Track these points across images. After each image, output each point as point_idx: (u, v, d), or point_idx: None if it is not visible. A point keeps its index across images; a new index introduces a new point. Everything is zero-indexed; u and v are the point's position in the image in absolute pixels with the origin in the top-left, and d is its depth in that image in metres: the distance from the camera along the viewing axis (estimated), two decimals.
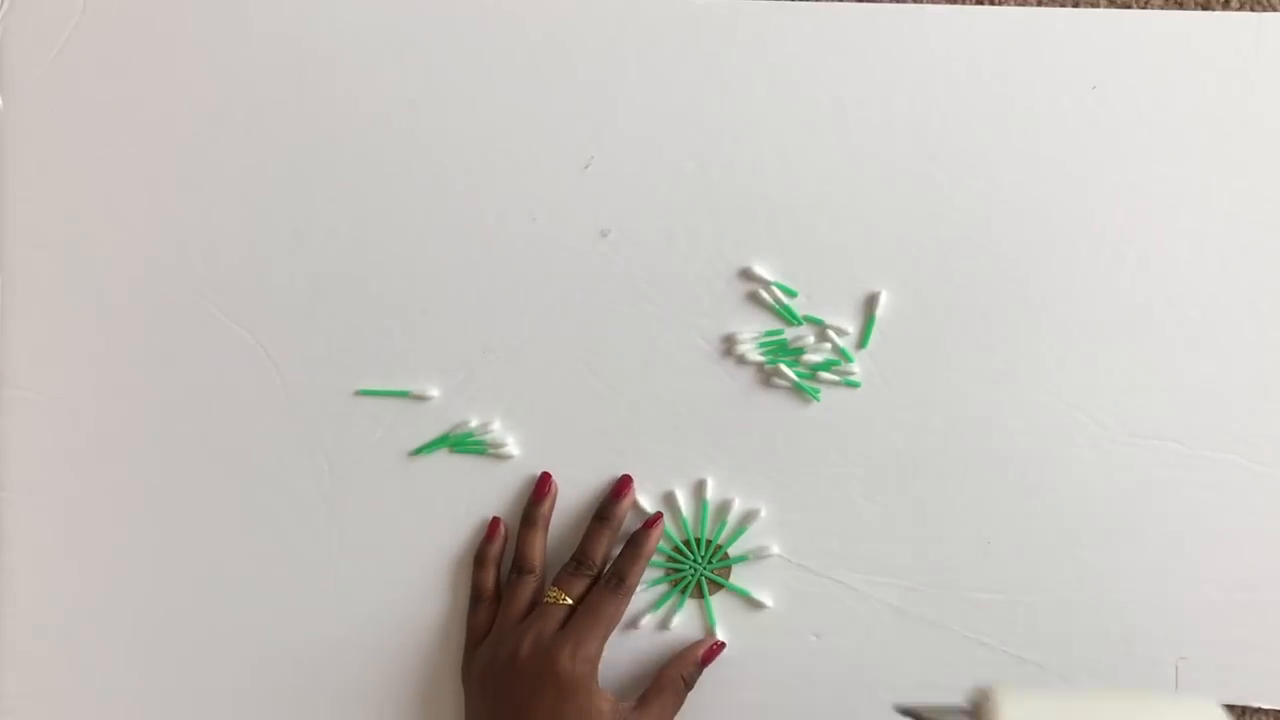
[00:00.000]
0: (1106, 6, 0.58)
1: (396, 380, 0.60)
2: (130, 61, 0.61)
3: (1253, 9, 0.58)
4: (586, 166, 0.60)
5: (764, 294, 0.59)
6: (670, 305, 0.59)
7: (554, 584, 0.57)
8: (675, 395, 0.59)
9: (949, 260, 0.58)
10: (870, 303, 0.58)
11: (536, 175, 0.60)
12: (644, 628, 0.59)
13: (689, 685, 0.57)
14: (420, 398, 0.59)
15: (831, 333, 0.58)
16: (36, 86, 0.61)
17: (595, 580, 0.57)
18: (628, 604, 0.57)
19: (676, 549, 0.59)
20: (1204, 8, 0.58)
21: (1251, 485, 0.57)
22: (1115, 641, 0.58)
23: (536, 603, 0.58)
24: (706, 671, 0.58)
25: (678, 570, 0.59)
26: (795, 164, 0.59)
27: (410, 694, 0.60)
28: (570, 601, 0.56)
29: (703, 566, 0.59)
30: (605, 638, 0.56)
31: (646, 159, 0.59)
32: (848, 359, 0.58)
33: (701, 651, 0.58)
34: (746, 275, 0.59)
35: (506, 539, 0.60)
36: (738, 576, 0.59)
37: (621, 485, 0.58)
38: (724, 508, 0.59)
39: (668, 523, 0.59)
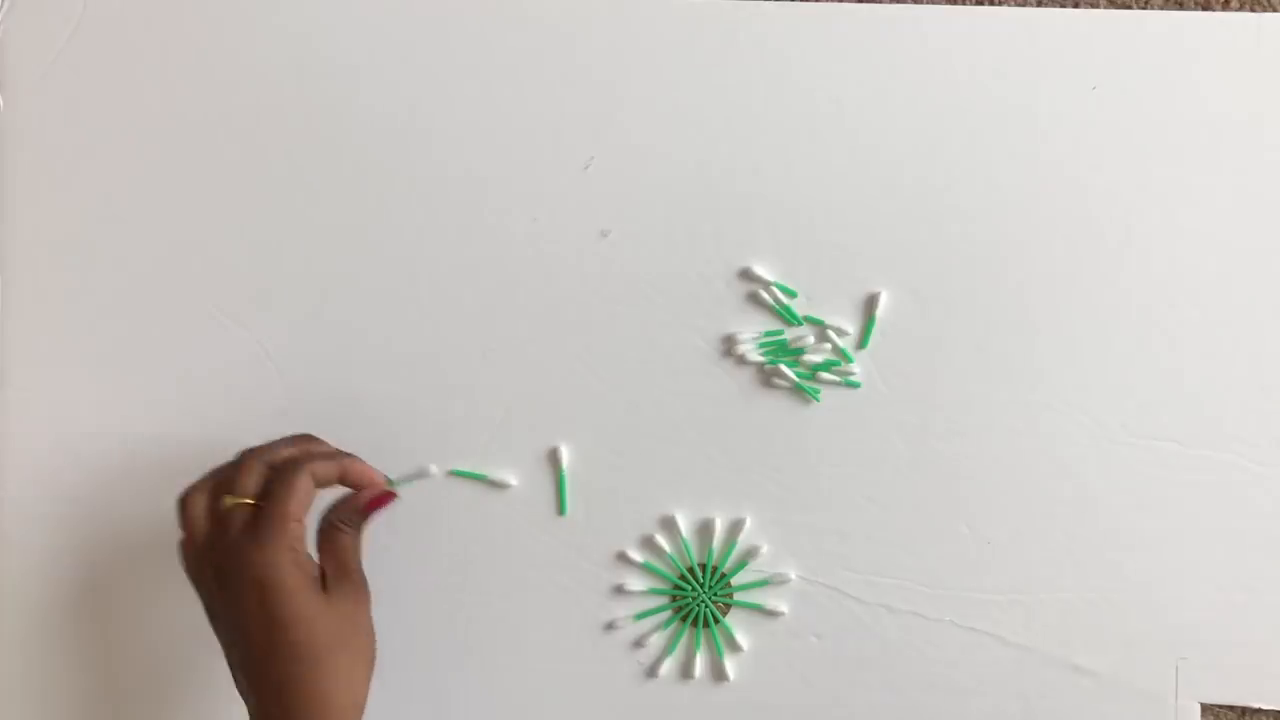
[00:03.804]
0: (1106, 7, 0.58)
1: (394, 383, 0.60)
2: (131, 62, 0.61)
3: (1253, 9, 0.58)
4: (587, 167, 0.60)
5: (764, 294, 0.59)
6: (670, 305, 0.59)
7: (221, 496, 0.51)
8: (675, 395, 0.59)
9: (949, 261, 0.58)
10: (870, 303, 0.58)
11: (537, 175, 0.60)
12: (665, 676, 0.59)
13: (355, 529, 0.52)
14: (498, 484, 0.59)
15: (831, 333, 0.58)
16: (37, 87, 0.61)
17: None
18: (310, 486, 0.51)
19: (677, 586, 0.59)
20: (1204, 8, 0.58)
21: (1251, 485, 0.57)
22: (1115, 641, 0.58)
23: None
24: (708, 673, 0.58)
25: (682, 600, 0.59)
26: (795, 164, 0.59)
27: (406, 693, 0.60)
28: (249, 500, 0.51)
29: (706, 595, 0.59)
30: (303, 513, 0.50)
31: (647, 159, 0.59)
32: (848, 359, 0.58)
33: (366, 499, 0.52)
34: (746, 275, 0.59)
35: (309, 494, 0.52)
36: (747, 591, 0.59)
37: (381, 500, 0.53)
38: (708, 527, 0.59)
39: (657, 563, 0.59)
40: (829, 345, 0.58)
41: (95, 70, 0.61)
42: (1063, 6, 0.58)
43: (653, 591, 0.59)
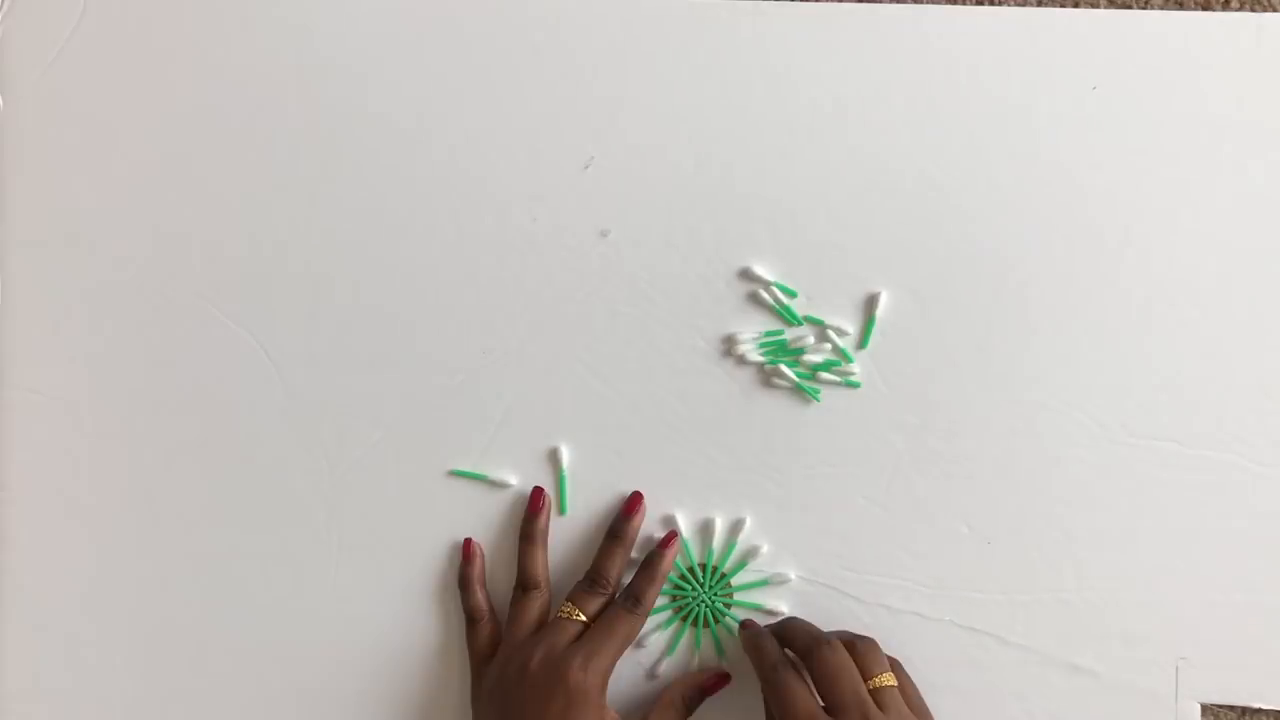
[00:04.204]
0: (1107, 7, 0.58)
1: (393, 383, 0.60)
2: (131, 62, 0.61)
3: (1253, 9, 0.58)
4: (587, 167, 0.60)
5: (764, 294, 0.59)
6: (670, 305, 0.59)
7: (568, 600, 0.56)
8: (675, 395, 0.59)
9: (949, 261, 0.58)
10: (870, 303, 0.58)
11: (537, 175, 0.60)
12: (664, 676, 0.59)
13: (690, 709, 0.56)
14: (499, 484, 0.60)
15: (831, 333, 0.58)
16: (37, 86, 0.61)
17: (610, 600, 0.57)
18: (642, 624, 0.56)
19: (677, 586, 0.59)
20: (1204, 8, 0.58)
21: (1251, 486, 0.57)
22: (1115, 641, 0.58)
23: (544, 619, 0.57)
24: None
25: (682, 600, 0.59)
26: (795, 164, 0.59)
27: (407, 693, 0.60)
28: (584, 618, 0.55)
29: (708, 595, 0.59)
30: (617, 655, 0.55)
31: (647, 159, 0.59)
32: (848, 359, 0.58)
33: (706, 679, 0.57)
34: (746, 275, 0.59)
35: (482, 557, 0.59)
36: (747, 591, 0.59)
37: (633, 502, 0.58)
38: (708, 526, 0.59)
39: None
40: (829, 345, 0.58)
41: (96, 69, 0.61)
42: (1063, 7, 0.58)
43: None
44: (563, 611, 0.56)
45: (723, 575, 0.59)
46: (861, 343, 0.58)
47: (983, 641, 0.58)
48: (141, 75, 0.61)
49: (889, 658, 0.54)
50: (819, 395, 0.58)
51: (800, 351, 0.58)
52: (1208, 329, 0.58)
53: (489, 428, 0.60)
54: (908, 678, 0.55)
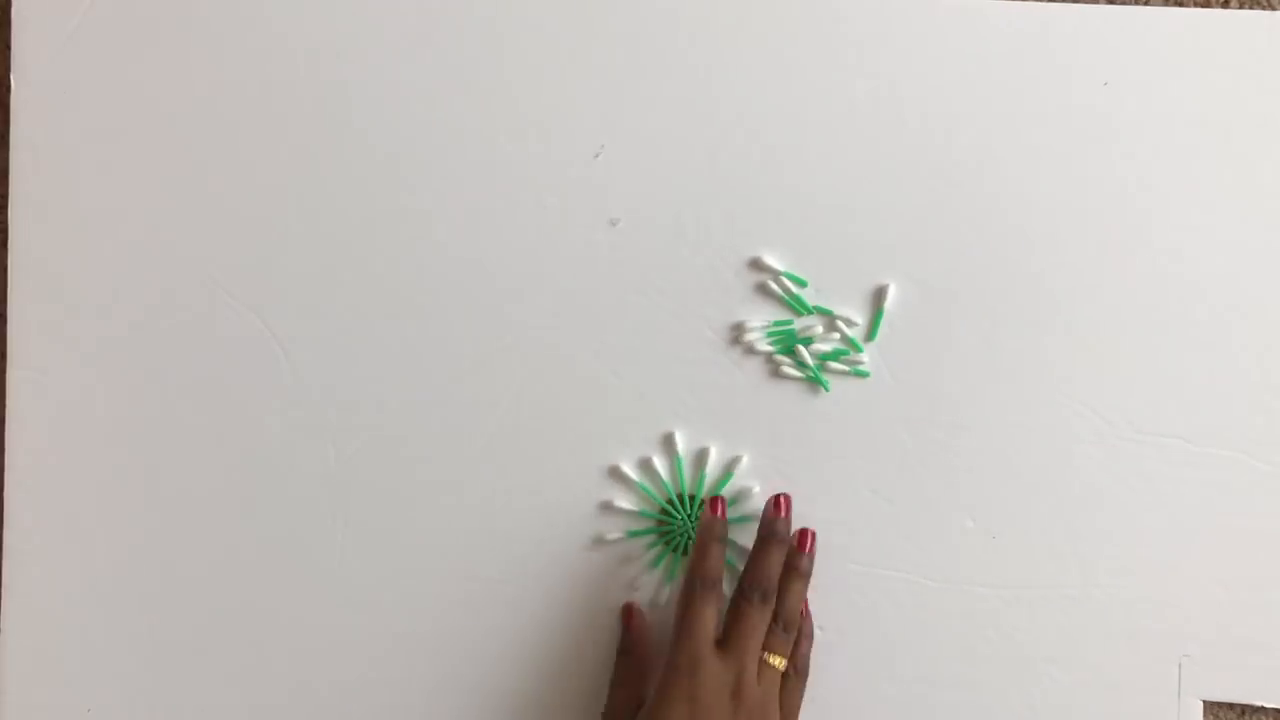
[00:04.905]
0: (1120, 2, 0.58)
1: (401, 369, 0.60)
2: (143, 43, 0.61)
3: (1252, 7, 0.58)
4: (597, 155, 0.60)
5: (773, 284, 0.59)
6: (679, 294, 0.59)
7: (765, 647, 0.55)
8: (683, 384, 0.59)
9: (958, 255, 0.58)
10: (878, 296, 0.58)
11: (546, 163, 0.60)
12: (644, 588, 0.59)
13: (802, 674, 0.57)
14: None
15: (840, 323, 0.58)
16: (49, 67, 0.61)
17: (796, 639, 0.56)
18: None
19: (664, 510, 0.59)
20: (1223, 5, 0.58)
21: (1257, 483, 0.58)
22: (1118, 638, 0.58)
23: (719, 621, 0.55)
24: None
25: (667, 530, 0.59)
26: (805, 155, 0.59)
27: (416, 680, 0.60)
28: (781, 667, 0.55)
29: (693, 524, 0.59)
30: None
31: (657, 148, 0.59)
32: (857, 349, 0.58)
33: (804, 646, 0.57)
34: (756, 265, 0.59)
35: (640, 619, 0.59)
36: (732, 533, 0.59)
37: (780, 502, 0.58)
38: (702, 458, 0.59)
39: (647, 483, 0.59)
40: (837, 335, 0.58)
41: (107, 52, 0.61)
42: (1075, 1, 0.58)
43: (642, 514, 0.59)
44: (773, 660, 0.55)
45: (704, 503, 0.59)
46: (870, 335, 0.58)
47: (986, 636, 0.58)
48: (154, 58, 0.61)
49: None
50: (828, 384, 0.58)
51: (809, 341, 0.58)
52: (1215, 326, 0.58)
53: (496, 414, 0.60)
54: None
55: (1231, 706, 0.58)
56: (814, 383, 0.58)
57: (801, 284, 0.59)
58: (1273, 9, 0.58)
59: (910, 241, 0.58)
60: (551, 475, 0.59)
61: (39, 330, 0.61)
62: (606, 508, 0.59)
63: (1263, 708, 0.58)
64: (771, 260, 0.59)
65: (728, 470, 0.59)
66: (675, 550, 0.59)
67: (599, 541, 0.59)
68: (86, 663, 0.61)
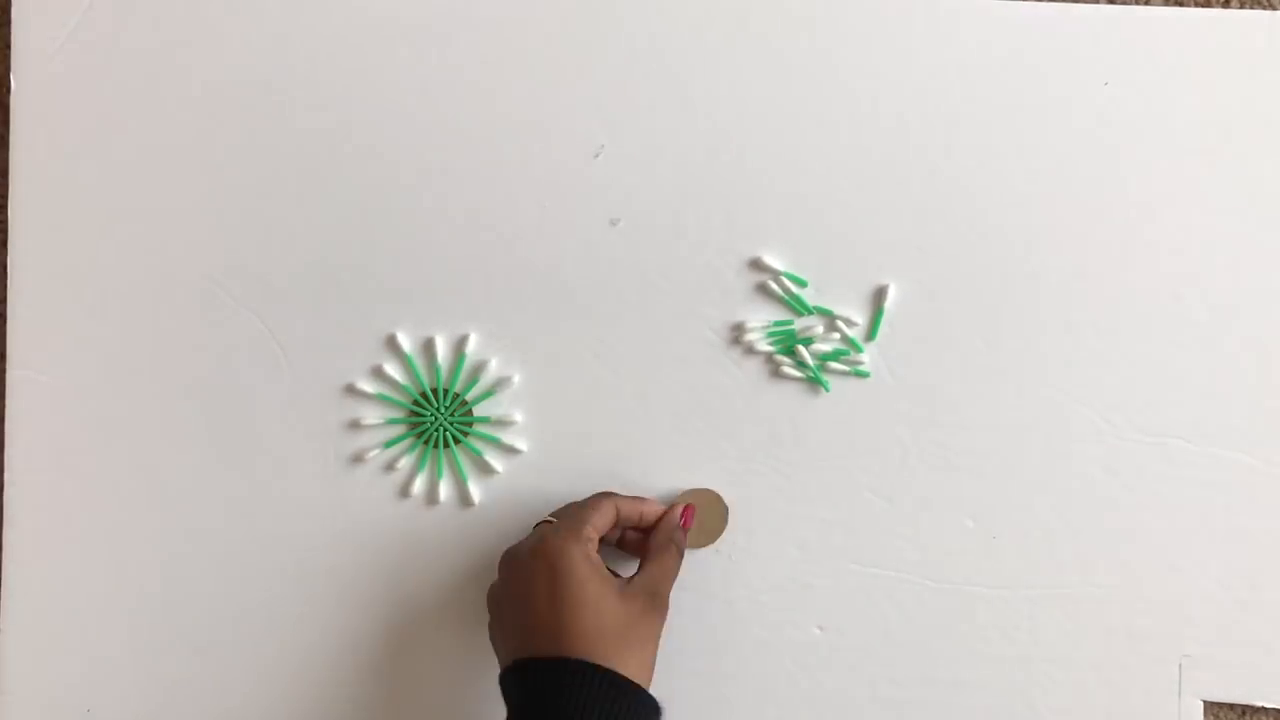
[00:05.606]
0: (1120, 2, 0.58)
1: (403, 365, 0.60)
2: (143, 44, 0.61)
3: (1252, 7, 0.58)
4: (597, 155, 0.60)
5: (773, 284, 0.59)
6: (679, 294, 0.59)
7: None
8: (683, 384, 0.59)
9: (958, 255, 0.58)
10: (878, 296, 0.58)
11: (547, 163, 0.60)
12: (371, 461, 0.59)
13: (679, 549, 0.56)
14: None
15: (840, 323, 0.58)
16: (49, 68, 0.61)
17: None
18: (614, 516, 0.55)
19: (416, 402, 0.59)
20: (1223, 5, 0.58)
21: (1258, 483, 0.57)
22: (1119, 638, 0.58)
23: None
24: (709, 664, 0.58)
25: (419, 421, 0.59)
26: (805, 155, 0.59)
27: (418, 677, 0.60)
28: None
29: (444, 418, 0.59)
30: (601, 529, 0.54)
31: (657, 148, 0.59)
32: (857, 348, 0.58)
33: (681, 515, 0.57)
34: (756, 265, 0.59)
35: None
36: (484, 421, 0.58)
37: (689, 513, 0.58)
38: (479, 368, 0.59)
39: (420, 368, 0.59)
40: (837, 335, 0.58)
41: (106, 51, 0.61)
42: (1076, 1, 0.58)
43: (390, 422, 0.60)
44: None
45: (462, 400, 0.59)
46: (870, 335, 0.58)
47: (986, 636, 0.58)
48: (152, 57, 0.61)
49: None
50: (828, 383, 0.58)
51: (809, 341, 0.58)
52: (1215, 326, 0.58)
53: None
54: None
55: (1231, 706, 0.58)
56: (814, 383, 0.58)
57: (801, 284, 0.59)
58: (1273, 9, 0.58)
59: (910, 241, 0.58)
60: (552, 475, 0.60)
61: (39, 330, 0.61)
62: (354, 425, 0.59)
63: (1263, 708, 0.58)
64: (771, 260, 0.59)
65: (459, 351, 0.59)
66: (426, 443, 0.59)
67: None
68: (86, 663, 0.61)
